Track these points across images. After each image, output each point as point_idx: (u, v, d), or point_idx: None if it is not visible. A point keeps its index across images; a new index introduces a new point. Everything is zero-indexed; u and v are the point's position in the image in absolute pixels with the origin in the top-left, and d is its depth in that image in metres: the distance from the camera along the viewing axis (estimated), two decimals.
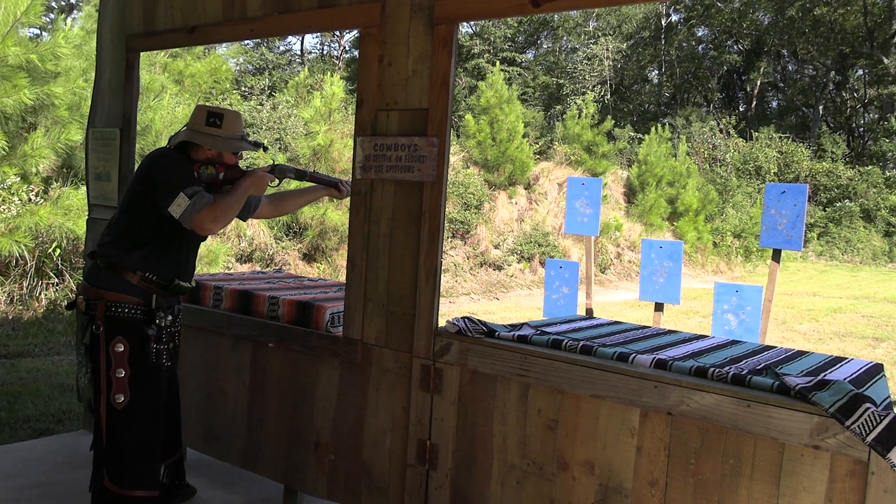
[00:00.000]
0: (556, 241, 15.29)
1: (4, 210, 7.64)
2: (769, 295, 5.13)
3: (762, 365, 2.44)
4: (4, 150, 7.73)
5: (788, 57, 33.33)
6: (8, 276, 7.82)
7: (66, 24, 8.90)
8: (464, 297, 12.54)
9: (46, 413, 4.71)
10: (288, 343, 3.14)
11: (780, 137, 26.17)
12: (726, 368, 2.25)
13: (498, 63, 19.09)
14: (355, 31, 3.23)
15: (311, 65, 28.00)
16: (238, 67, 25.95)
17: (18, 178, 7.87)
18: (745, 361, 2.49)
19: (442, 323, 2.74)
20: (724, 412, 2.08)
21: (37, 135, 8.09)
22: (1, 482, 3.46)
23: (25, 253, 7.63)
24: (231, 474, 3.65)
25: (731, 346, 2.83)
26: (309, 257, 11.69)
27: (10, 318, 7.46)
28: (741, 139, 26.12)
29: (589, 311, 5.65)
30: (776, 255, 5.16)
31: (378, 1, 2.86)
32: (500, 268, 14.30)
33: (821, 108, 30.89)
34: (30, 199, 7.87)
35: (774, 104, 34.85)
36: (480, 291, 13.16)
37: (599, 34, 30.00)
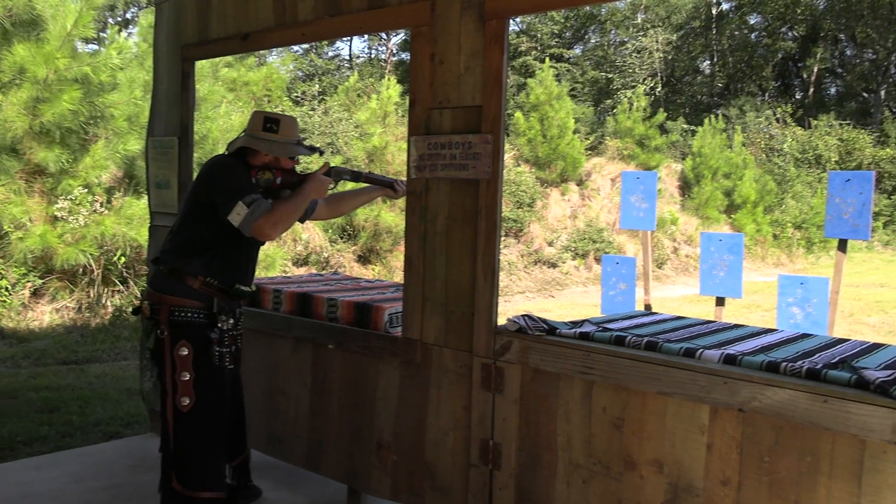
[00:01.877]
0: (610, 236, 15.10)
1: (71, 221, 7.88)
2: (836, 286, 4.96)
3: (837, 358, 2.34)
4: (67, 162, 7.97)
5: (846, 41, 32.28)
6: (76, 284, 8.06)
7: (119, 37, 9.12)
8: (519, 296, 12.48)
9: (115, 417, 4.83)
10: (347, 344, 3.15)
11: (841, 124, 25.36)
12: (800, 363, 2.17)
13: (547, 59, 18.97)
14: (403, 34, 3.26)
15: (359, 69, 28.23)
16: (289, 74, 26.34)
17: (84, 190, 8.10)
18: (818, 355, 2.40)
19: (500, 321, 2.71)
20: (798, 408, 2.01)
21: (98, 146, 8.33)
22: (74, 484, 3.55)
23: (91, 262, 7.86)
24: (295, 475, 3.68)
25: (803, 340, 2.74)
26: (364, 259, 11.78)
27: (79, 324, 7.69)
28: (799, 128, 25.40)
29: (647, 307, 5.55)
30: (842, 246, 4.99)
31: (428, 0, 2.84)
32: (554, 265, 14.20)
33: (882, 92, 29.83)
34: (94, 210, 8.10)
35: (833, 90, 33.81)
36: (535, 289, 13.08)
37: (648, 26, 29.51)
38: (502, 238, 13.65)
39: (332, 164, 2.96)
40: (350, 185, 3.47)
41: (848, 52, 32.85)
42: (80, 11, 8.12)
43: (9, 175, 7.80)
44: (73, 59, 8.08)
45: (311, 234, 10.99)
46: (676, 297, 12.58)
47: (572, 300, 12.03)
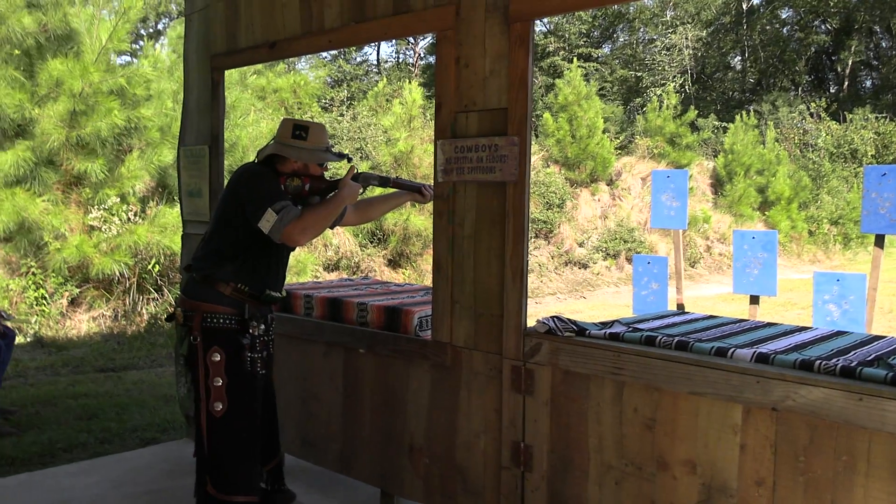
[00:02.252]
0: (641, 236, 14.98)
1: (106, 230, 8.02)
2: (873, 283, 4.88)
3: (872, 356, 2.31)
4: (104, 173, 8.12)
5: (882, 33, 31.66)
6: (112, 293, 8.21)
7: (154, 50, 9.29)
8: (550, 297, 12.43)
9: (152, 423, 4.91)
10: (378, 348, 3.17)
11: (877, 118, 24.87)
12: (834, 360, 2.14)
13: (575, 59, 18.88)
14: (430, 38, 3.29)
15: (387, 73, 28.38)
16: (317, 81, 26.55)
17: (118, 200, 8.25)
18: (853, 353, 2.36)
19: (530, 323, 2.71)
20: (833, 406, 1.98)
21: (132, 157, 8.48)
22: (112, 490, 3.62)
23: (126, 270, 7.99)
24: (328, 479, 3.71)
25: (837, 338, 2.70)
26: (394, 263, 11.82)
27: (116, 332, 7.82)
28: (834, 122, 24.95)
29: (680, 307, 5.50)
30: (879, 241, 4.90)
31: (452, 3, 2.85)
32: (585, 266, 14.12)
33: None
34: (129, 219, 8.24)
35: (868, 83, 33.16)
36: (567, 291, 13.02)
37: (677, 23, 29.21)
38: (532, 239, 13.62)
39: (360, 170, 2.99)
40: (378, 191, 3.49)
41: (883, 44, 32.22)
42: (116, 25, 8.28)
43: (47, 186, 7.98)
44: (107, 72, 8.24)
45: (341, 239, 11.07)
46: (710, 295, 12.43)
47: (604, 301, 11.95)
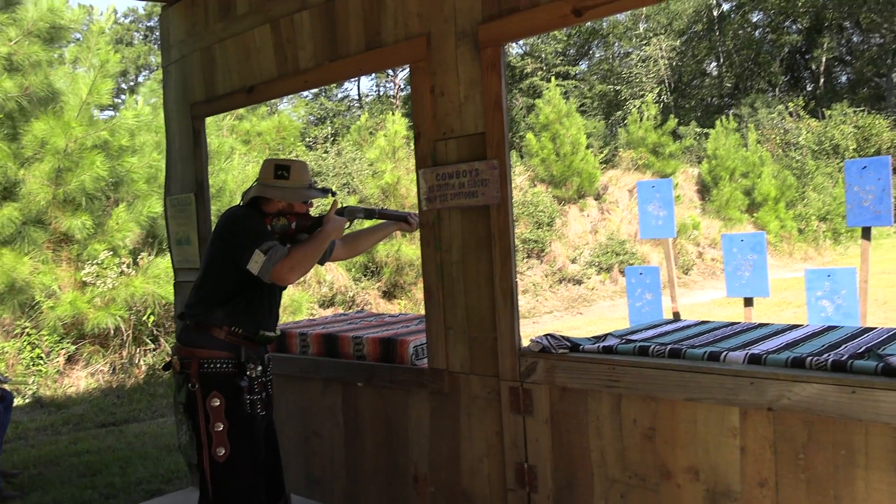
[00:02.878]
0: (633, 248, 15.04)
1: (99, 285, 8.02)
2: (864, 276, 4.92)
3: (863, 348, 2.33)
4: (92, 228, 8.14)
5: (852, 28, 32.11)
6: (108, 347, 8.18)
7: (137, 103, 9.36)
8: (547, 316, 12.43)
9: (157, 474, 4.88)
10: (376, 380, 3.18)
11: (855, 112, 25.14)
12: (825, 356, 2.16)
13: (553, 79, 19.06)
14: (408, 68, 3.30)
15: (369, 107, 28.58)
16: (300, 120, 26.72)
17: (109, 253, 8.25)
18: (844, 346, 2.39)
19: (525, 343, 2.73)
20: (828, 402, 2.00)
21: (119, 210, 8.50)
22: None
23: (121, 323, 7.98)
24: None
25: (828, 333, 2.72)
26: (389, 294, 11.82)
27: (115, 386, 7.79)
28: (813, 119, 25.22)
29: (676, 315, 5.52)
30: (866, 234, 4.95)
31: (423, 34, 2.91)
32: (579, 282, 14.15)
33: (894, 75, 29.57)
34: (122, 272, 8.25)
35: (844, 79, 33.55)
36: (563, 308, 13.03)
37: (651, 35, 29.57)
38: (524, 259, 13.65)
39: (346, 204, 3.01)
40: (367, 223, 3.52)
41: (855, 39, 32.65)
42: (94, 80, 8.33)
43: (36, 246, 7.99)
44: (90, 127, 8.29)
45: (334, 275, 11.08)
46: (705, 301, 12.46)
47: (601, 315, 11.96)
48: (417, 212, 3.06)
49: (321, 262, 3.22)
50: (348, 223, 3.00)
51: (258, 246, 2.57)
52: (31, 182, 7.90)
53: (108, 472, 5.01)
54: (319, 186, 2.91)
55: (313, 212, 3.00)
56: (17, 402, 6.93)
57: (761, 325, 3.00)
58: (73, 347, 8.02)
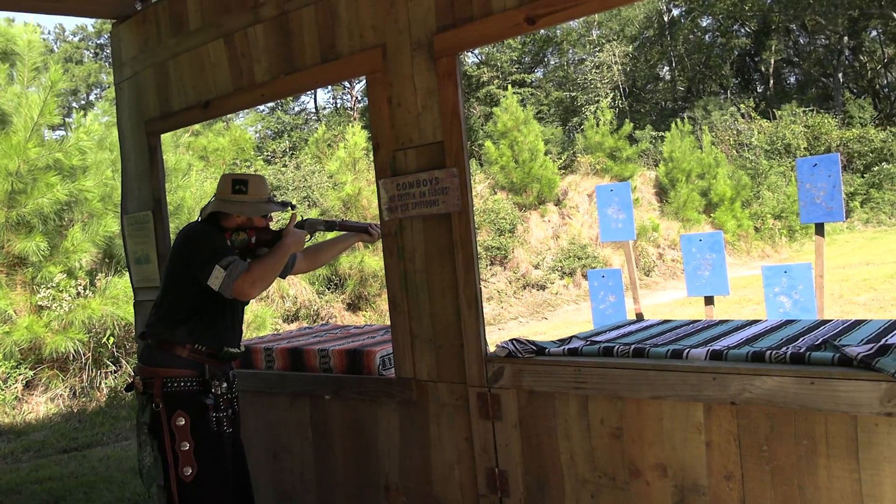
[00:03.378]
0: (595, 251, 15.19)
1: (56, 308, 7.85)
2: (819, 270, 5.03)
3: (820, 340, 2.39)
4: (46, 250, 7.97)
5: (798, 30, 32.95)
6: (67, 371, 8.00)
7: (86, 121, 9.19)
8: (512, 322, 12.48)
9: (122, 498, 4.78)
10: (344, 392, 3.16)
11: (805, 111, 25.78)
12: (784, 349, 2.21)
13: (509, 87, 19.21)
14: (365, 80, 3.30)
15: (326, 120, 28.48)
16: (258, 134, 26.54)
17: (65, 275, 8.09)
18: (801, 339, 2.45)
19: (492, 349, 2.74)
20: (788, 393, 2.04)
21: (75, 230, 8.33)
22: None
23: (80, 346, 7.81)
24: None
25: (786, 327, 2.78)
26: (353, 307, 11.77)
27: (76, 410, 7.61)
28: (765, 120, 25.80)
29: (639, 316, 5.59)
30: (819, 230, 5.06)
31: (378, 46, 2.91)
32: (543, 287, 14.24)
33: (840, 75, 30.39)
34: (78, 294, 8.08)
35: (792, 79, 34.40)
36: (528, 314, 13.10)
37: (604, 41, 30.00)
38: (488, 267, 13.70)
39: (307, 217, 3.00)
40: (329, 235, 3.51)
41: (801, 41, 33.49)
42: (45, 100, 8.17)
43: None
44: (42, 148, 8.13)
45: (297, 289, 10.99)
46: (667, 302, 12.63)
47: (565, 319, 12.05)
48: (379, 222, 3.06)
49: (283, 276, 3.20)
50: (309, 236, 2.99)
51: (218, 262, 2.55)
52: None
53: (72, 498, 4.90)
54: (279, 200, 2.90)
55: (273, 226, 2.98)
56: None
57: (722, 322, 3.05)
58: (31, 373, 7.83)
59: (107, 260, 8.95)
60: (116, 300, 7.97)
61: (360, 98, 32.02)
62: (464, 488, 2.79)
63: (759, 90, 33.40)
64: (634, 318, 5.50)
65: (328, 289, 11.64)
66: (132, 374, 2.76)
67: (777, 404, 2.06)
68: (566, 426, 2.50)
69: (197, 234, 2.69)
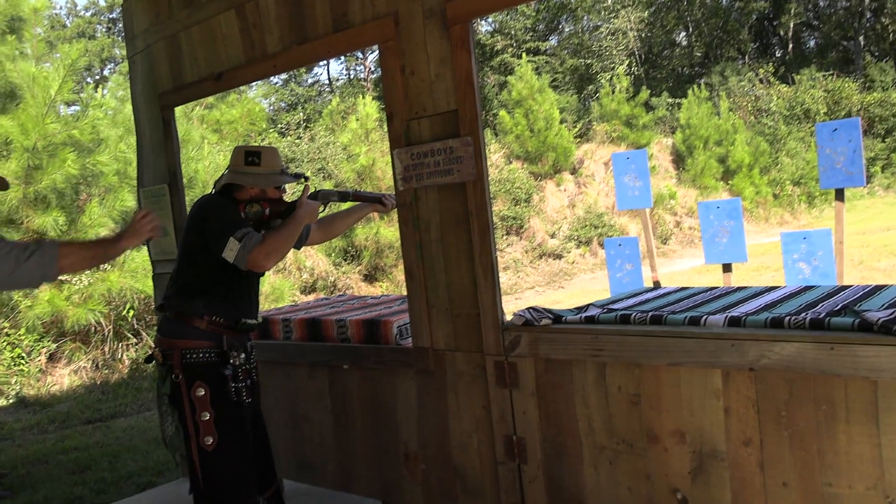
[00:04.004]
0: (611, 220, 15.12)
1: (76, 282, 7.94)
2: (839, 236, 4.98)
3: (840, 305, 2.37)
4: (65, 225, 8.04)
5: None
6: (89, 343, 8.11)
7: (98, 95, 9.21)
8: (529, 292, 12.49)
9: (146, 467, 4.87)
10: (361, 362, 3.18)
11: (824, 76, 25.35)
12: (803, 315, 2.19)
13: (524, 55, 19.02)
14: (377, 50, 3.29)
15: (340, 91, 28.35)
16: (271, 107, 26.48)
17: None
18: (821, 305, 2.43)
19: (509, 318, 2.74)
20: (807, 359, 2.03)
21: (92, 205, 8.39)
22: None
23: (101, 319, 7.91)
24: (329, 499, 3.71)
25: (806, 293, 2.76)
26: (370, 277, 11.81)
27: (99, 382, 7.73)
28: (784, 85, 25.39)
29: (656, 284, 5.57)
30: (839, 195, 5.00)
31: (391, 14, 2.88)
32: (559, 256, 14.21)
33: (861, 38, 29.81)
34: (98, 268, 8.16)
35: (812, 43, 33.78)
36: (544, 283, 13.10)
37: (619, 7, 29.54)
38: (504, 236, 13.68)
39: (320, 188, 3.00)
40: (343, 206, 3.51)
41: (821, 4, 32.82)
42: (64, 77, 8.19)
43: None
44: (59, 123, 8.17)
45: (314, 260, 11.04)
46: (685, 270, 12.58)
47: (582, 288, 12.04)
48: (394, 192, 3.05)
49: (297, 247, 3.21)
50: (322, 207, 2.99)
51: (232, 234, 2.56)
52: None
53: (98, 467, 5.00)
54: (292, 172, 2.90)
55: (287, 198, 2.98)
56: (1, 402, 6.87)
57: (740, 289, 3.03)
58: (54, 345, 7.94)
59: None
60: (136, 273, 8.05)
61: (373, 69, 31.83)
62: (482, 456, 2.81)
63: (777, 55, 32.85)
64: (651, 286, 5.48)
65: (345, 260, 11.68)
66: (152, 345, 2.79)
67: (796, 370, 2.05)
68: (584, 393, 2.51)
69: (211, 206, 2.70)
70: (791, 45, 32.10)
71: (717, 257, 5.33)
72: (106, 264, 8.22)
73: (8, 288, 2.44)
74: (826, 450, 2.04)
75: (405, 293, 3.06)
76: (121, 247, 2.69)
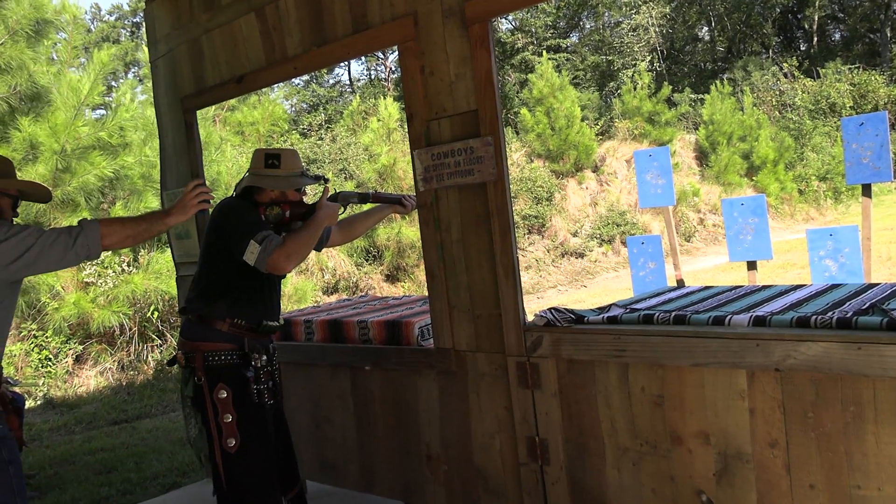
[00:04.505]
0: (634, 218, 15.02)
1: (101, 284, 8.03)
2: (866, 233, 4.90)
3: (868, 304, 2.33)
4: None
5: None
6: (115, 345, 8.20)
7: (125, 99, 9.32)
8: (551, 291, 12.45)
9: (171, 468, 4.91)
10: (383, 363, 3.18)
11: (850, 69, 24.97)
12: (829, 314, 2.16)
13: (544, 53, 18.95)
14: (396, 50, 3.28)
15: (361, 91, 28.43)
16: (293, 108, 26.62)
17: (109, 252, 8.25)
18: (848, 304, 2.39)
19: (530, 318, 2.73)
20: (834, 359, 2.00)
21: (117, 207, 8.49)
22: None
23: (126, 321, 8.00)
24: (351, 500, 3.71)
25: (832, 291, 2.72)
26: (392, 278, 11.83)
27: (124, 383, 7.82)
28: (808, 79, 25.06)
29: (680, 282, 5.52)
30: (866, 190, 4.93)
31: (409, 14, 2.88)
32: (581, 255, 14.15)
33: (888, 30, 29.35)
34: (123, 270, 8.25)
35: (837, 36, 33.29)
36: (567, 282, 13.04)
37: (640, 3, 29.33)
38: (526, 235, 13.64)
39: (341, 190, 3.00)
40: (363, 208, 3.51)
41: None
42: (93, 80, 8.30)
43: None
44: (86, 127, 8.28)
45: (336, 261, 11.08)
46: (709, 267, 12.46)
47: (605, 287, 11.97)
48: (414, 193, 3.05)
49: (318, 249, 3.22)
50: (342, 208, 2.99)
51: (253, 236, 2.57)
52: None
53: (124, 468, 5.05)
54: (312, 174, 2.90)
55: (308, 199, 2.98)
56: (29, 403, 6.96)
57: (765, 288, 2.99)
58: (81, 347, 8.04)
59: None
60: (159, 275, 8.13)
61: (393, 69, 31.88)
62: (504, 457, 2.80)
63: (802, 48, 32.43)
64: (675, 284, 5.43)
65: (366, 260, 11.70)
66: (175, 348, 2.81)
67: (822, 370, 2.02)
68: (606, 394, 2.49)
69: (231, 209, 2.71)
70: (816, 39, 31.68)
71: (742, 255, 5.27)
72: (131, 267, 8.31)
73: (56, 269, 2.47)
74: (854, 451, 2.00)
75: (427, 293, 3.06)
76: (168, 222, 2.65)
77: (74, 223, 2.47)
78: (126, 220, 2.61)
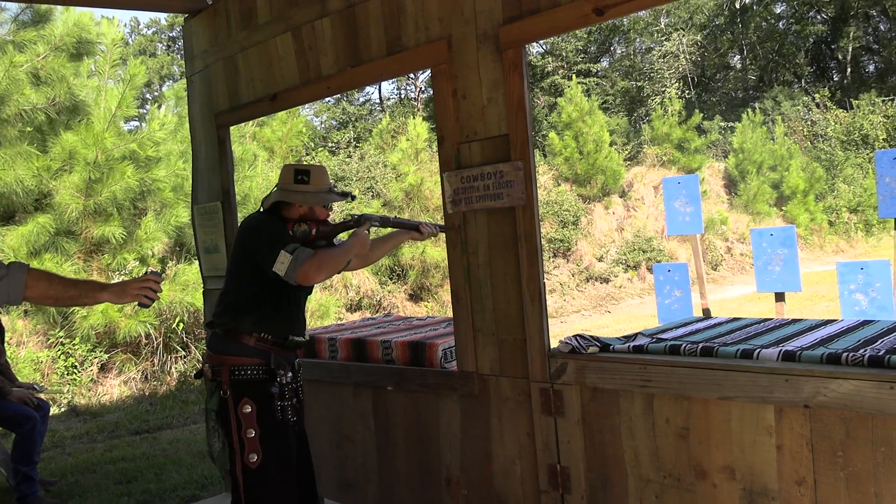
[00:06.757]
0: (660, 244, 14.92)
1: None
2: None
3: None
4: (123, 237, 8.25)
5: (878, 16, 31.54)
6: (140, 355, 8.28)
7: (160, 112, 9.47)
8: (575, 315, 12.37)
9: (191, 480, 4.92)
10: (406, 384, 3.18)
11: (884, 101, 24.71)
12: (861, 351, 2.12)
13: (574, 76, 18.98)
14: (429, 70, 3.31)
15: (391, 110, 28.64)
16: (323, 125, 26.87)
17: (138, 262, 8.36)
18: (880, 341, 2.35)
19: (554, 344, 2.71)
20: (865, 398, 1.96)
21: (148, 219, 8.61)
22: None
23: (152, 331, 8.07)
24: None
25: (864, 328, 2.68)
26: (415, 297, 11.84)
27: (147, 394, 7.87)
28: (841, 110, 24.82)
29: (706, 311, 5.46)
30: None
31: (444, 38, 2.90)
32: (607, 280, 14.06)
33: None
34: None
35: (871, 68, 32.98)
36: (591, 307, 12.96)
37: (671, 30, 29.31)
38: (551, 259, 13.60)
39: (364, 212, 3.02)
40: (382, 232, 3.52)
41: (882, 28, 32.08)
42: (124, 93, 8.46)
43: (68, 255, 8.11)
44: (118, 138, 8.42)
45: (360, 278, 11.12)
46: (735, 297, 12.32)
47: (629, 313, 11.88)
48: (440, 217, 3.06)
49: (338, 272, 3.23)
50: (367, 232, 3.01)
51: (283, 247, 2.59)
52: (62, 193, 8.04)
53: (144, 478, 5.07)
54: (339, 191, 2.93)
55: (334, 217, 3.01)
56: (53, 410, 7.04)
57: (794, 321, 2.95)
58: (106, 356, 8.12)
59: (177, 248, 9.21)
60: (186, 287, 8.20)
61: (424, 88, 32.09)
62: (525, 483, 2.78)
63: (835, 79, 32.16)
64: (701, 313, 5.37)
65: (390, 279, 11.73)
66: (201, 360, 2.83)
67: (853, 409, 1.98)
68: (630, 424, 2.46)
69: (259, 223, 2.74)
70: (849, 69, 31.41)
71: (770, 286, 5.21)
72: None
73: None
74: (884, 493, 1.96)
75: (450, 314, 3.05)
76: (100, 298, 2.51)
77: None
78: (58, 279, 2.50)
